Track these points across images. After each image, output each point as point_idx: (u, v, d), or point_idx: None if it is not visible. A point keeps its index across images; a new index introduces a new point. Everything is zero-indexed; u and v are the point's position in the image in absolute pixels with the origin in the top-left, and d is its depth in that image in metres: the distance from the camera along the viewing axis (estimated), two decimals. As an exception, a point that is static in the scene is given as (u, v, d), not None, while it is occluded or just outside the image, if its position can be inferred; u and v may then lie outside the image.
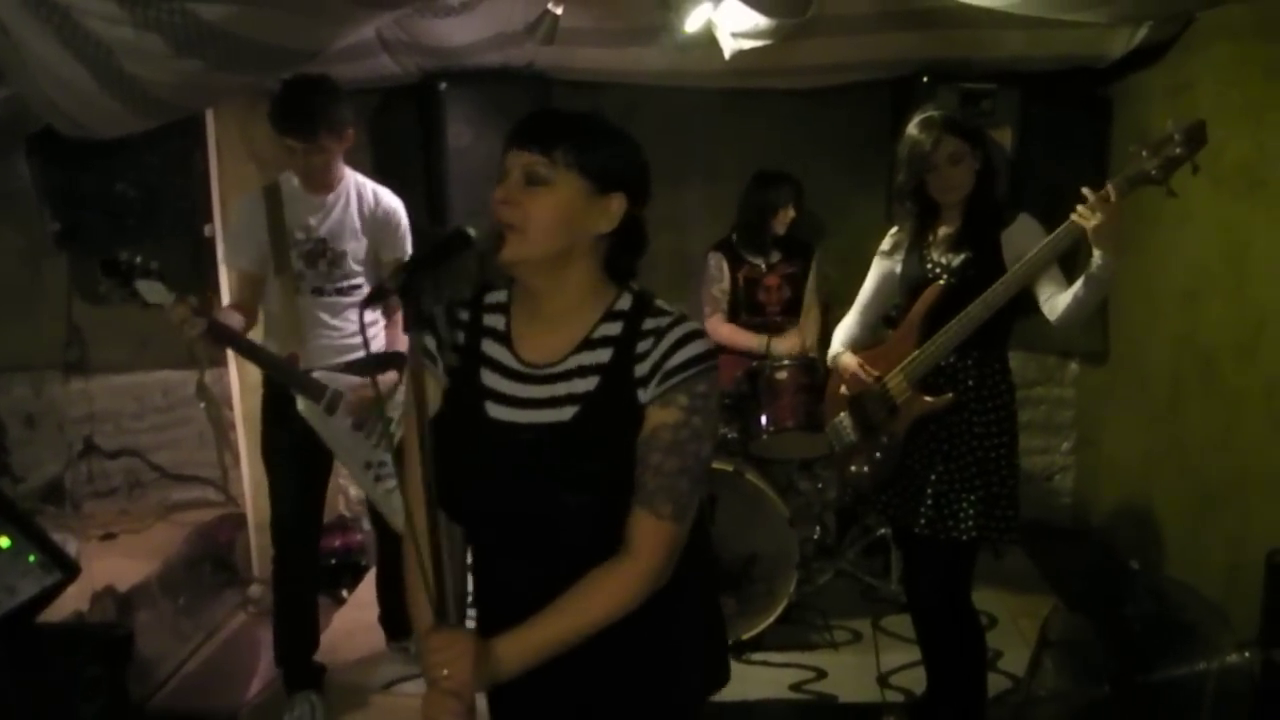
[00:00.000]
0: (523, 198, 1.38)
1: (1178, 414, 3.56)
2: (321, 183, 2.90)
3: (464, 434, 1.45)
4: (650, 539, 1.41)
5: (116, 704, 2.19)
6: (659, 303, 1.48)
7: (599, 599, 1.40)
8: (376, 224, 2.98)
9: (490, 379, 1.47)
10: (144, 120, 2.75)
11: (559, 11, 2.96)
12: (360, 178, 3.02)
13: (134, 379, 4.22)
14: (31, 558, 2.14)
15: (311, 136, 2.75)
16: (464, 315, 1.52)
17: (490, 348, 1.49)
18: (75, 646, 2.15)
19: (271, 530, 3.05)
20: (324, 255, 2.90)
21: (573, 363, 1.44)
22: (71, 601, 2.65)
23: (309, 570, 3.13)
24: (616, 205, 1.43)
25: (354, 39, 3.08)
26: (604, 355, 1.43)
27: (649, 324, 1.43)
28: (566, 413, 1.42)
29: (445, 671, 1.35)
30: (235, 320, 2.83)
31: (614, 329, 1.44)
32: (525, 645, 1.39)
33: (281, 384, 2.88)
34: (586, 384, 1.42)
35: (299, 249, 2.88)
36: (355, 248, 2.94)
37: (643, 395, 1.41)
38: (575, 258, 1.43)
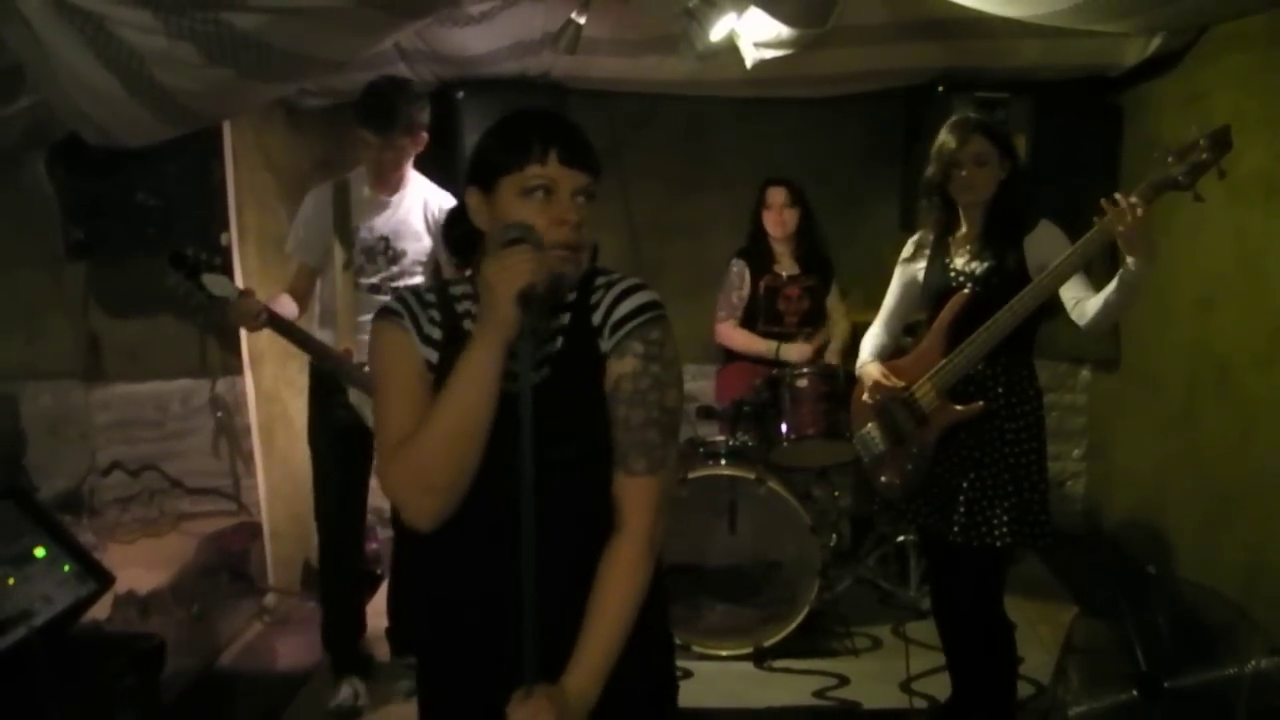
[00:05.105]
0: (580, 218, 1.39)
1: (1192, 420, 3.58)
2: (389, 182, 2.97)
3: None
4: (631, 500, 1.42)
5: (150, 714, 2.18)
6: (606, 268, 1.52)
7: (618, 588, 1.40)
8: (441, 229, 3.02)
9: None
10: (171, 129, 2.76)
11: (582, 21, 2.97)
12: (428, 183, 3.08)
13: (152, 388, 4.21)
14: (66, 567, 2.14)
15: (389, 132, 2.83)
16: (435, 309, 1.48)
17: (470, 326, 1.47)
18: (110, 656, 2.14)
19: (317, 518, 3.11)
20: (384, 253, 2.97)
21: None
22: (92, 609, 2.64)
23: (355, 556, 3.21)
24: None
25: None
26: (565, 318, 1.46)
27: (599, 280, 1.48)
28: (541, 375, 1.43)
29: None
30: (289, 307, 2.92)
31: (571, 295, 1.47)
32: (590, 674, 1.37)
33: (326, 374, 2.93)
34: (555, 345, 1.45)
35: (360, 244, 2.95)
36: (416, 248, 3.00)
37: (602, 344, 1.43)
38: None
